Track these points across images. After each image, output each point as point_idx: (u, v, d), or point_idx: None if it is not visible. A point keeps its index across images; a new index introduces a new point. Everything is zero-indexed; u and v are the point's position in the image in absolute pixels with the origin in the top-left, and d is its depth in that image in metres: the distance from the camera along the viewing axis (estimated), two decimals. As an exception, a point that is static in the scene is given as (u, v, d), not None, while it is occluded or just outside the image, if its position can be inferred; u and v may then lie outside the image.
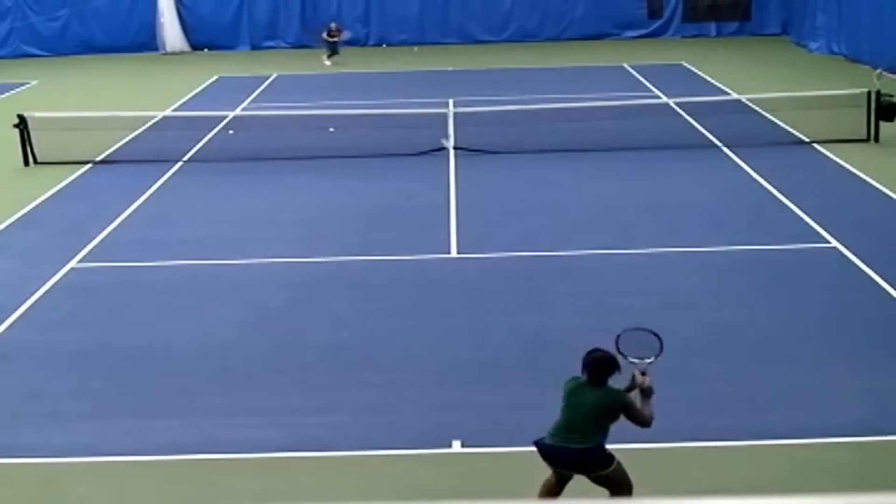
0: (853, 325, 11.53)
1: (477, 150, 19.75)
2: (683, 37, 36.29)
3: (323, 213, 16.38)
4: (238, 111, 24.47)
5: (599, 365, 7.63)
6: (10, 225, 16.26)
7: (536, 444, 7.71)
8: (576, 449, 7.52)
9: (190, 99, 27.12)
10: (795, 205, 15.84)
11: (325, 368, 10.84)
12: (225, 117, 23.20)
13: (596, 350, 7.75)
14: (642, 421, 7.68)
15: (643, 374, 7.80)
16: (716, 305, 12.21)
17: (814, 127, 20.27)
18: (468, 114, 22.03)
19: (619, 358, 7.75)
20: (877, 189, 16.72)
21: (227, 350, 11.35)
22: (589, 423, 7.54)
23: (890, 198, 16.24)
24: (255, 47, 36.82)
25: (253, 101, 26.54)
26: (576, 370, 10.62)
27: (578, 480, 7.81)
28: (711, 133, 20.54)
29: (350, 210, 16.44)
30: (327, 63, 32.47)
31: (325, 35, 33.09)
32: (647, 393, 7.73)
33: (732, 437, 9.19)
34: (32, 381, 10.79)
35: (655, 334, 7.99)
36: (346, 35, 33.33)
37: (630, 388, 7.87)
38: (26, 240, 15.51)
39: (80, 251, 14.69)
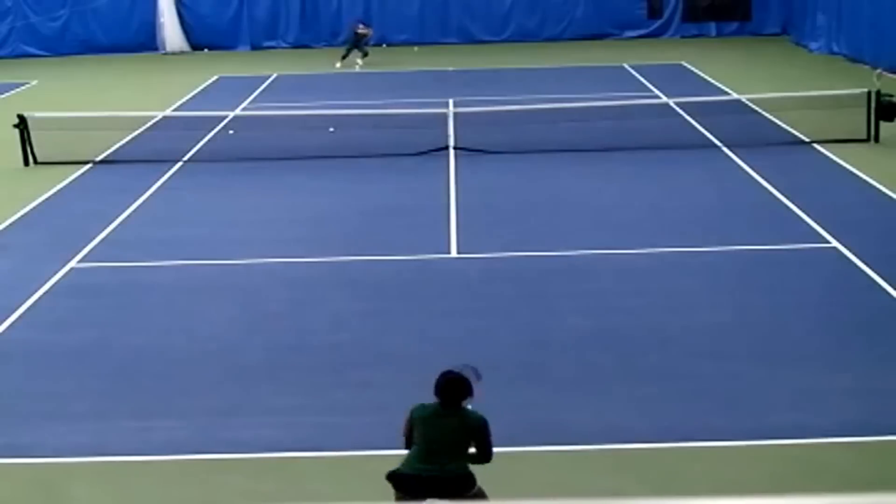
0: (853, 325, 11.53)
1: (477, 150, 19.75)
2: (683, 37, 36.26)
3: (323, 212, 16.38)
4: (238, 111, 24.46)
5: (455, 387, 7.28)
6: (10, 225, 16.26)
7: (393, 476, 7.28)
8: (444, 476, 7.14)
9: (190, 99, 27.11)
10: (795, 205, 15.84)
11: (325, 368, 10.85)
12: (225, 117, 23.20)
13: (449, 372, 7.38)
14: (490, 452, 7.29)
15: None
16: (716, 305, 12.21)
17: (814, 127, 20.27)
18: (468, 114, 22.03)
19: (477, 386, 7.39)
20: (877, 189, 16.73)
21: (227, 350, 11.35)
22: (454, 447, 7.20)
23: (890, 198, 16.24)
24: (255, 47, 36.79)
25: (253, 101, 26.54)
26: (575, 370, 10.66)
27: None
28: (711, 133, 20.54)
29: (350, 210, 16.44)
30: (359, 63, 31.81)
31: (357, 32, 32.40)
32: None
33: (732, 437, 9.19)
34: (32, 381, 10.80)
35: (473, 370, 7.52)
36: (369, 33, 32.68)
37: None
38: (26, 240, 15.51)
39: (80, 251, 14.69)
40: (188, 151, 20.56)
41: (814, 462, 8.83)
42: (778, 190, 16.68)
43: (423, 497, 7.22)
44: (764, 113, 22.19)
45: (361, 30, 32.26)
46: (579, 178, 18.02)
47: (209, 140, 21.58)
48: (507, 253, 14.22)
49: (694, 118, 21.78)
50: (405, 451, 7.41)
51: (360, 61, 31.93)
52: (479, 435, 7.25)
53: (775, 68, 29.31)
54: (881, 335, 11.26)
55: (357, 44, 32.04)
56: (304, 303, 12.71)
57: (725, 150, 19.41)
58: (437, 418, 7.28)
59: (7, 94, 28.76)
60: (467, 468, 7.27)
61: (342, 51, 32.33)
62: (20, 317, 12.41)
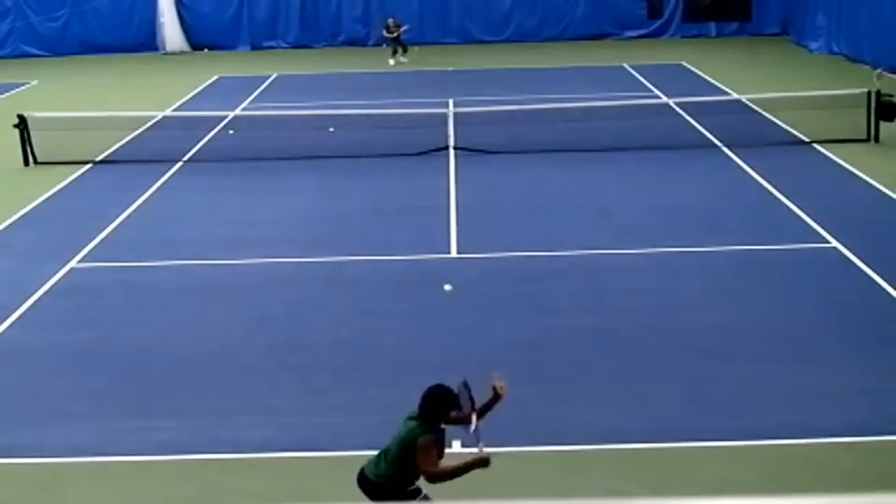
0: (853, 325, 11.53)
1: (477, 150, 19.75)
2: (683, 37, 36.26)
3: (323, 213, 16.38)
4: (238, 111, 24.46)
5: (425, 399, 7.26)
6: (10, 225, 16.26)
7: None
8: (371, 477, 7.24)
9: (190, 99, 27.11)
10: (795, 205, 15.84)
11: (325, 368, 10.84)
12: (225, 117, 23.20)
13: (437, 385, 7.32)
14: (427, 473, 7.11)
15: (478, 439, 7.18)
16: (716, 305, 12.21)
17: (814, 127, 20.26)
18: (468, 114, 22.03)
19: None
20: (877, 189, 16.72)
21: (227, 350, 11.35)
22: (394, 454, 7.22)
23: (890, 198, 16.24)
24: (255, 47, 36.79)
25: (253, 101, 26.53)
26: (574, 370, 10.66)
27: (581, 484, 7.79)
28: (711, 133, 20.53)
29: (350, 210, 16.44)
30: (391, 62, 32.02)
31: (384, 32, 32.58)
32: (480, 463, 7.10)
33: (732, 437, 9.20)
34: (32, 381, 10.80)
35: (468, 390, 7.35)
36: (404, 29, 32.70)
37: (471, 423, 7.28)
38: (26, 240, 15.51)
39: (80, 251, 14.69)
40: (188, 151, 20.56)
41: (814, 462, 8.83)
42: (778, 190, 16.68)
43: (366, 495, 7.35)
44: (764, 113, 22.18)
45: (390, 28, 32.39)
46: (579, 178, 18.02)
47: (209, 140, 21.58)
48: (507, 253, 14.22)
49: (694, 118, 21.78)
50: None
51: (391, 60, 32.19)
52: (410, 452, 7.15)
53: (775, 68, 29.30)
54: (881, 335, 11.26)
55: (395, 40, 32.24)
56: (304, 303, 12.71)
57: (725, 150, 19.40)
58: (404, 422, 7.36)
59: (7, 94, 28.76)
60: (405, 479, 7.23)
61: (383, 50, 32.56)
62: (20, 317, 12.41)
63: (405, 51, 32.42)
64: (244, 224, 15.97)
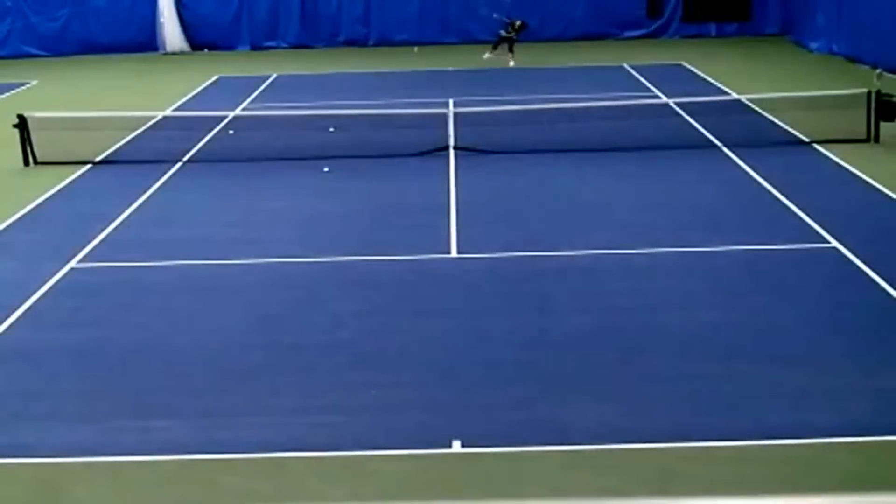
0: (853, 325, 11.53)
1: (477, 150, 19.75)
2: (683, 37, 36.25)
3: (323, 213, 16.39)
4: (238, 111, 24.46)
5: None
6: (11, 225, 16.27)
7: None
8: None
9: (190, 99, 27.11)
10: (795, 205, 15.85)
11: (325, 368, 10.84)
12: (225, 117, 23.20)
13: None
14: None
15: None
16: (716, 305, 12.21)
17: (814, 127, 20.27)
18: (468, 114, 22.03)
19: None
20: (877, 189, 16.73)
21: (227, 350, 11.35)
22: None
23: (890, 198, 16.24)
24: (255, 47, 36.77)
25: (253, 101, 26.53)
26: (575, 370, 10.66)
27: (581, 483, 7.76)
28: (711, 133, 20.54)
29: (350, 210, 16.44)
30: (485, 56, 31.85)
31: (503, 31, 31.95)
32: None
33: (732, 437, 9.19)
34: (32, 381, 10.80)
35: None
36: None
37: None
38: (26, 240, 15.51)
39: (80, 251, 14.70)
40: (188, 151, 20.56)
41: (814, 462, 8.83)
42: (778, 190, 16.68)
43: None
44: (764, 113, 22.18)
45: (514, 27, 31.87)
46: (579, 178, 18.02)
47: (209, 140, 21.58)
48: (507, 253, 14.22)
49: (694, 118, 21.78)
50: (402, 452, 7.38)
51: (487, 54, 32.06)
52: None
53: (775, 68, 29.30)
54: (881, 335, 11.26)
55: (511, 39, 31.74)
56: (304, 303, 12.71)
57: (725, 150, 19.40)
58: None
59: (7, 94, 28.76)
60: None
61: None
62: (20, 317, 12.41)
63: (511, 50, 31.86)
64: (244, 224, 15.97)
